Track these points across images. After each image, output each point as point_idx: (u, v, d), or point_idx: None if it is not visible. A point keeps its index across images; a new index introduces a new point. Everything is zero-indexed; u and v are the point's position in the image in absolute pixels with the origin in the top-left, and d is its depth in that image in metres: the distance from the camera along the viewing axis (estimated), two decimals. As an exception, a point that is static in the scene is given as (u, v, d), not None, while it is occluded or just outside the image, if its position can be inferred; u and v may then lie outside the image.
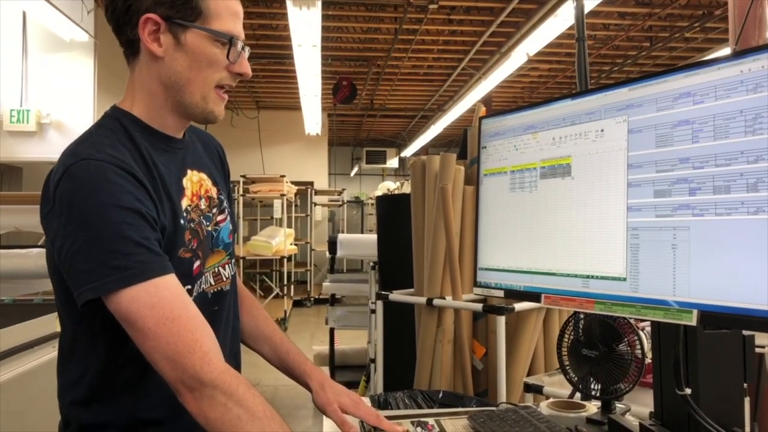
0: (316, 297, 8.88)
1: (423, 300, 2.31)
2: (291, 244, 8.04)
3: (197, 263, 0.98)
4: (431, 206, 2.39)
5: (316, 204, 9.75)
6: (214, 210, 1.04)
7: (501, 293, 1.10)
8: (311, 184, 9.48)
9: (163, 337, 0.81)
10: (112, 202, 0.83)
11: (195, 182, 1.02)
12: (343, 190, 10.64)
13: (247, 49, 0.98)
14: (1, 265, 2.45)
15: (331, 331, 4.97)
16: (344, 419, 1.05)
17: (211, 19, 0.92)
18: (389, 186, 9.78)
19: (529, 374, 2.27)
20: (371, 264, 3.91)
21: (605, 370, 1.09)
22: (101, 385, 0.93)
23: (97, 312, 0.85)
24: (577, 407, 1.17)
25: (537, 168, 1.05)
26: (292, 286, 8.69)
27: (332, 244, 4.13)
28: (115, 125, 0.95)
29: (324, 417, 1.14)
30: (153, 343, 0.82)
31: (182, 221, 0.95)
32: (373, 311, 2.60)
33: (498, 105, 8.47)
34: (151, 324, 0.81)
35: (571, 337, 1.16)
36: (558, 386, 1.66)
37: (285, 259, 7.80)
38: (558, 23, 4.66)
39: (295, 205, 9.40)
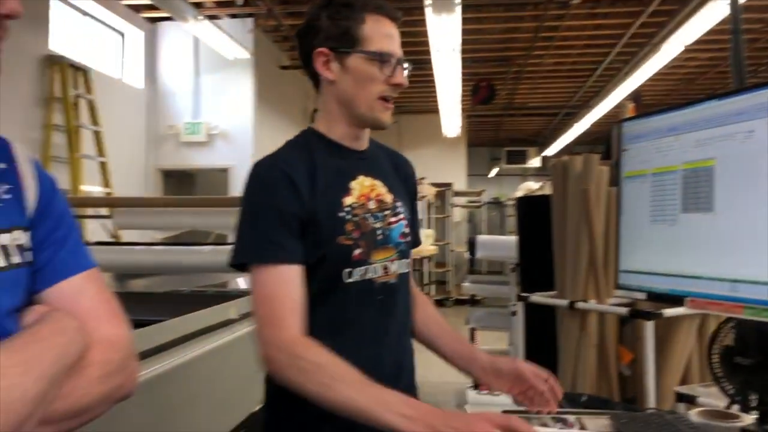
0: (456, 297, 8.96)
1: (565, 303, 2.28)
2: (431, 245, 8.20)
3: (358, 251, 1.12)
4: (573, 208, 2.36)
5: (454, 205, 9.81)
6: (387, 212, 1.19)
7: (643, 296, 1.09)
8: (450, 185, 9.56)
9: None
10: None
11: (366, 186, 1.17)
12: (483, 191, 10.58)
13: (406, 64, 1.14)
14: (181, 260, 2.80)
15: (472, 331, 5.01)
16: None
17: (367, 43, 1.11)
18: (531, 186, 9.55)
19: (682, 384, 2.16)
20: (511, 266, 3.88)
21: (762, 380, 1.04)
22: None
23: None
24: (731, 417, 1.12)
25: (678, 170, 1.03)
26: (433, 286, 8.84)
27: (471, 245, 4.16)
28: (299, 140, 1.17)
29: None
30: None
31: (342, 214, 1.11)
32: (514, 313, 2.61)
33: (649, 99, 7.93)
34: None
35: (724, 343, 1.12)
36: (714, 398, 1.57)
37: (425, 260, 7.96)
38: (720, 7, 4.29)
39: (435, 207, 9.53)
